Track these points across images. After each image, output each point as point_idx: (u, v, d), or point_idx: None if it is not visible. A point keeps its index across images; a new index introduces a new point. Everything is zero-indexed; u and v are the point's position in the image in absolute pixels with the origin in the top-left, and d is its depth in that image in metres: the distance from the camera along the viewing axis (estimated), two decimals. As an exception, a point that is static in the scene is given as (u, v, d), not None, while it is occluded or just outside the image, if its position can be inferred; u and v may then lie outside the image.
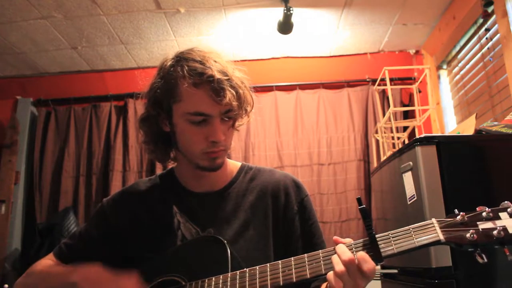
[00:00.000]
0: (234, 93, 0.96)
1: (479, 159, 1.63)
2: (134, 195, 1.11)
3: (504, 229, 0.74)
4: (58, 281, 0.98)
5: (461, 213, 0.79)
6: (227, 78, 0.95)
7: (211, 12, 2.77)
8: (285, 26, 2.74)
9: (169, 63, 1.00)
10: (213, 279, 0.88)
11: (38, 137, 3.27)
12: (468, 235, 0.75)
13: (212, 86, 0.93)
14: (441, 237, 0.77)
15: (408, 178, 1.67)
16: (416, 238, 0.78)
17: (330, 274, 0.79)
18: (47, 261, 1.08)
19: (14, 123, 3.22)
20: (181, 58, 0.99)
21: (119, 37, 3.01)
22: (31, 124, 3.32)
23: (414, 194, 1.62)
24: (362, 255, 0.78)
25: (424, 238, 0.78)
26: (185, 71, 0.95)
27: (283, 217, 1.06)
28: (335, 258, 0.79)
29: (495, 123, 1.84)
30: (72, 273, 0.95)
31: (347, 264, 0.77)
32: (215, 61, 0.97)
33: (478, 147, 1.65)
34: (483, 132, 1.76)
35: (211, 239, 0.96)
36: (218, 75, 0.94)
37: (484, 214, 0.78)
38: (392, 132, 2.80)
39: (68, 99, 3.36)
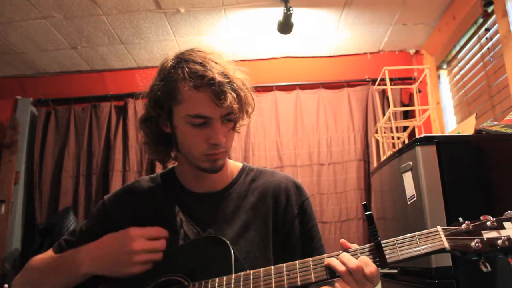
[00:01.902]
0: (235, 95, 0.95)
1: (479, 159, 1.63)
2: (135, 193, 1.11)
3: (509, 239, 0.75)
4: (62, 268, 0.99)
5: (466, 221, 0.80)
6: (228, 80, 0.95)
7: (211, 12, 2.77)
8: (285, 26, 2.74)
9: (169, 64, 0.99)
10: (217, 280, 0.88)
11: (38, 137, 3.27)
12: (473, 244, 0.76)
13: (213, 89, 0.92)
14: (446, 245, 0.78)
15: (408, 178, 1.67)
16: (421, 246, 0.79)
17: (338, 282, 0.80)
18: (44, 255, 1.07)
19: (14, 123, 3.22)
20: (182, 60, 0.98)
21: (119, 37, 3.01)
22: (31, 124, 3.32)
23: (414, 194, 1.62)
24: (364, 259, 0.79)
25: (429, 246, 0.79)
26: (186, 73, 0.94)
27: (283, 219, 1.06)
28: (340, 267, 0.80)
29: (495, 123, 1.84)
30: (76, 254, 0.97)
31: (354, 271, 0.78)
32: (216, 63, 0.96)
33: (478, 147, 1.65)
34: (483, 132, 1.76)
35: (214, 240, 0.96)
36: (219, 78, 0.93)
37: (488, 223, 0.79)
38: (392, 132, 2.80)
39: (68, 99, 3.36)
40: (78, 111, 3.34)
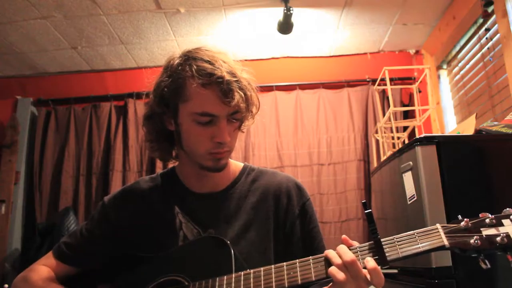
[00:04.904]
0: (243, 94, 0.95)
1: (479, 159, 1.63)
2: (135, 193, 1.11)
3: (507, 236, 0.75)
4: None
5: (465, 219, 0.80)
6: (235, 79, 0.94)
7: (211, 12, 2.77)
8: (285, 26, 2.74)
9: (176, 62, 0.99)
10: (217, 279, 0.88)
11: (38, 137, 3.27)
12: (472, 241, 0.76)
13: (221, 87, 0.92)
14: (446, 242, 0.78)
15: (408, 178, 1.67)
16: (420, 243, 0.79)
17: (333, 271, 0.79)
18: (44, 270, 1.05)
19: (14, 123, 3.22)
20: (189, 57, 0.97)
21: (119, 37, 3.01)
22: (31, 124, 3.32)
23: (414, 194, 1.62)
24: (376, 269, 0.78)
25: (428, 243, 0.79)
26: (194, 71, 0.94)
27: (284, 220, 1.06)
28: (336, 259, 0.79)
29: (495, 123, 1.84)
30: None
31: (349, 264, 0.77)
32: (224, 62, 0.96)
33: (478, 147, 1.65)
34: (483, 132, 1.76)
35: (214, 240, 0.96)
36: (227, 76, 0.93)
37: (487, 220, 0.79)
38: (392, 132, 2.80)
39: (68, 99, 3.36)
40: (78, 111, 3.34)
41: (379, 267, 0.78)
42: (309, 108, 3.23)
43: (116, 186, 3.06)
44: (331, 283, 0.83)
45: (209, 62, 0.95)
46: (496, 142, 1.70)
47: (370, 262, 0.78)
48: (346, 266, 0.78)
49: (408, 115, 3.19)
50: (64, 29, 2.88)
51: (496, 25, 2.31)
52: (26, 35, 2.92)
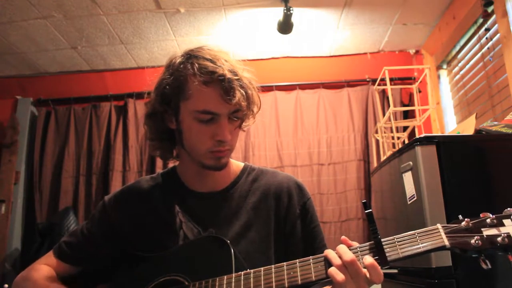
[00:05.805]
0: (244, 93, 0.95)
1: (479, 159, 1.63)
2: (136, 193, 1.11)
3: (508, 236, 0.75)
4: None
5: (465, 219, 0.80)
6: (237, 78, 0.95)
7: (211, 12, 2.78)
8: (285, 26, 2.74)
9: (178, 60, 0.99)
10: (217, 279, 0.88)
11: (38, 137, 3.27)
12: (473, 241, 0.76)
13: (223, 85, 0.93)
14: (446, 242, 0.78)
15: (408, 178, 1.67)
16: (421, 243, 0.79)
17: (332, 272, 0.79)
18: (45, 269, 1.05)
19: (14, 123, 3.22)
20: (191, 56, 0.98)
21: (119, 37, 3.01)
22: (31, 124, 3.32)
23: (414, 194, 1.62)
24: (374, 265, 0.78)
25: (429, 243, 0.79)
26: (196, 69, 0.94)
27: (285, 220, 1.05)
28: (335, 260, 0.79)
29: (495, 123, 1.84)
30: None
31: (348, 264, 0.77)
32: (225, 60, 0.97)
33: (478, 147, 1.65)
34: (483, 132, 1.76)
35: (214, 239, 0.96)
36: (228, 75, 0.93)
37: (488, 220, 0.79)
38: (392, 132, 2.80)
39: (68, 99, 3.36)
40: (78, 111, 3.34)
41: (376, 263, 0.78)
42: (309, 108, 3.24)
43: (116, 186, 3.06)
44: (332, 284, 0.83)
45: (210, 60, 0.95)
46: (496, 142, 1.70)
47: (368, 258, 0.78)
48: (346, 266, 0.78)
49: (408, 115, 3.19)
50: (64, 29, 2.88)
51: (496, 25, 2.31)
52: (26, 35, 2.92)
